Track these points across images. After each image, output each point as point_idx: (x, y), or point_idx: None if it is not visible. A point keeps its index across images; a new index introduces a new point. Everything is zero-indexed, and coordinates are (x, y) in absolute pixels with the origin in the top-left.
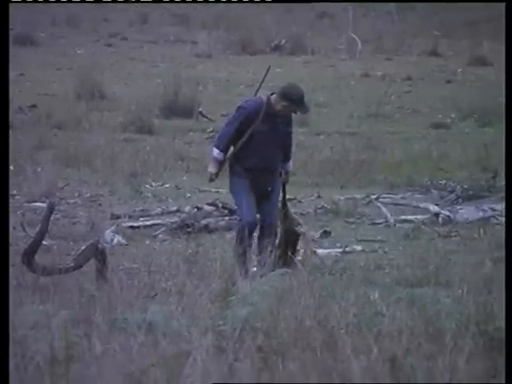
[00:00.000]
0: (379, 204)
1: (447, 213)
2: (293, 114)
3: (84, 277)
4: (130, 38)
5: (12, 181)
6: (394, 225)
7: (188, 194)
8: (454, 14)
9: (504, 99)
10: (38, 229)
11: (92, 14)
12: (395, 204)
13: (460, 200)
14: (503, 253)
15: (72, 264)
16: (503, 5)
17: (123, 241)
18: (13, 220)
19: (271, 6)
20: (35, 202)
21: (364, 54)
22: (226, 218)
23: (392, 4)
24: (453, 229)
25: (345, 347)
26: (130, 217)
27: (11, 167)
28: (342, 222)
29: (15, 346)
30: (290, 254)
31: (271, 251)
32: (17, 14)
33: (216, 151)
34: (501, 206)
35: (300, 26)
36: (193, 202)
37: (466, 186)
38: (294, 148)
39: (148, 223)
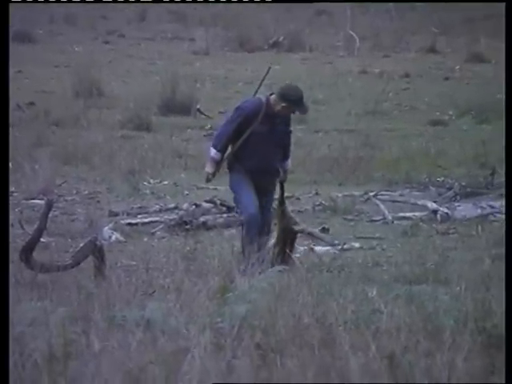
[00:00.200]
0: (377, 201)
1: (445, 210)
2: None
3: (82, 274)
4: (128, 36)
5: (10, 178)
6: (392, 222)
7: (186, 191)
8: (451, 11)
9: (504, 96)
10: (36, 226)
11: (90, 12)
12: (393, 201)
13: (458, 197)
14: (501, 250)
15: (70, 261)
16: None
17: (121, 238)
18: (11, 217)
19: (269, 3)
20: (33, 199)
21: (362, 51)
22: (224, 215)
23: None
24: (451, 226)
25: (343, 344)
26: (127, 214)
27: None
28: (340, 219)
29: (13, 343)
30: (288, 251)
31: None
32: (15, 12)
33: (213, 151)
34: (499, 203)
35: (298, 23)
36: (191, 199)
37: (463, 183)
38: (292, 146)
39: (146, 220)
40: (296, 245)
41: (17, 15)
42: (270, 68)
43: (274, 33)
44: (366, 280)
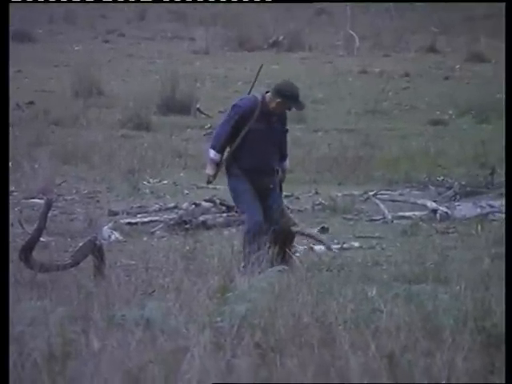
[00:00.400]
0: (377, 200)
1: (445, 209)
2: (290, 112)
3: (82, 273)
4: (128, 35)
5: (10, 177)
6: (392, 221)
7: (186, 191)
8: (451, 10)
9: (504, 96)
10: (35, 225)
11: (89, 11)
12: (393, 200)
13: (458, 196)
14: (501, 249)
15: (69, 260)
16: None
17: (121, 237)
18: (11, 217)
19: (269, 3)
20: (33, 198)
21: (362, 50)
22: (224, 214)
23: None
24: (450, 225)
25: (342, 344)
26: (127, 213)
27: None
28: (339, 219)
29: (13, 343)
30: (287, 251)
31: (269, 248)
32: (15, 11)
33: (212, 152)
34: (498, 203)
35: (298, 23)
36: (190, 198)
37: (463, 183)
38: (291, 145)
39: (146, 220)
40: (296, 244)
41: (16, 15)
42: (262, 66)
43: (274, 32)
44: (365, 279)
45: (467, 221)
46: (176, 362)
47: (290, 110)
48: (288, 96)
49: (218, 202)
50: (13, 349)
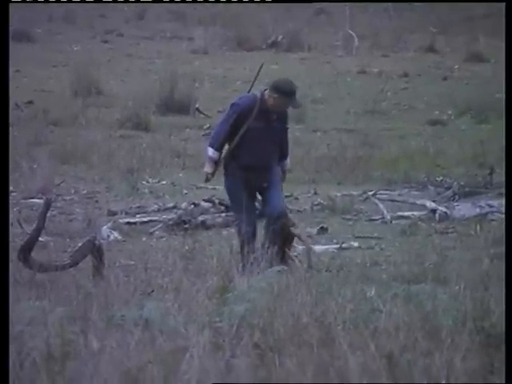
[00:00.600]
0: (376, 200)
1: (444, 209)
2: (289, 111)
3: (80, 273)
4: (127, 35)
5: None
6: (391, 221)
7: (185, 191)
8: (450, 10)
9: (503, 96)
10: (34, 225)
11: (88, 11)
12: (392, 200)
13: (457, 196)
14: (500, 249)
15: (68, 261)
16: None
17: (120, 237)
18: (10, 216)
19: (268, 3)
20: (32, 198)
21: (361, 50)
22: (223, 214)
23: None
24: (449, 225)
25: (341, 344)
26: (126, 213)
27: None
28: (338, 219)
29: (12, 343)
30: (286, 250)
31: (268, 247)
32: (14, 11)
33: (211, 150)
34: (497, 203)
35: (297, 23)
36: (189, 198)
37: (462, 183)
38: (290, 144)
39: (145, 220)
40: (295, 244)
41: (15, 14)
42: (262, 64)
43: (273, 32)
44: (364, 279)
45: (466, 221)
46: (175, 362)
47: (287, 107)
48: (284, 92)
49: (216, 202)
50: (12, 348)
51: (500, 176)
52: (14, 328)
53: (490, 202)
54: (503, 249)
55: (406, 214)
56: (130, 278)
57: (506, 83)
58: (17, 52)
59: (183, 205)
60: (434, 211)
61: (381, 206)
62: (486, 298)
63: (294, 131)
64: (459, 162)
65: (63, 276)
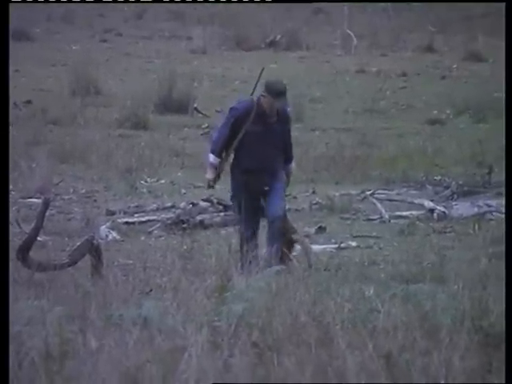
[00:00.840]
0: (374, 200)
1: (442, 208)
2: (289, 112)
3: (79, 273)
4: (125, 34)
5: None
6: (389, 221)
7: (183, 190)
8: (449, 9)
9: (503, 95)
10: (32, 225)
11: (87, 10)
12: (390, 200)
13: (455, 196)
14: (498, 248)
15: (67, 260)
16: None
17: (118, 237)
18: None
19: (267, 2)
20: (30, 197)
21: (359, 49)
22: (221, 214)
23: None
24: (448, 224)
25: (340, 343)
26: (125, 213)
27: None
28: (337, 218)
29: (10, 342)
30: (285, 250)
31: (267, 246)
32: (12, 10)
33: (212, 157)
34: (496, 202)
35: (295, 22)
36: (188, 197)
37: (461, 182)
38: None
39: (143, 219)
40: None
41: (14, 14)
42: (263, 68)
43: (272, 31)
44: (362, 279)
45: (464, 220)
46: (173, 362)
47: (277, 107)
48: (272, 91)
49: (215, 201)
50: (10, 348)
51: (498, 175)
52: (13, 327)
53: (489, 202)
54: (501, 248)
55: (405, 213)
56: (128, 277)
57: (505, 83)
58: (16, 51)
59: (182, 204)
60: (432, 210)
61: (379, 205)
62: (484, 298)
63: (292, 130)
64: (457, 161)
65: (62, 275)
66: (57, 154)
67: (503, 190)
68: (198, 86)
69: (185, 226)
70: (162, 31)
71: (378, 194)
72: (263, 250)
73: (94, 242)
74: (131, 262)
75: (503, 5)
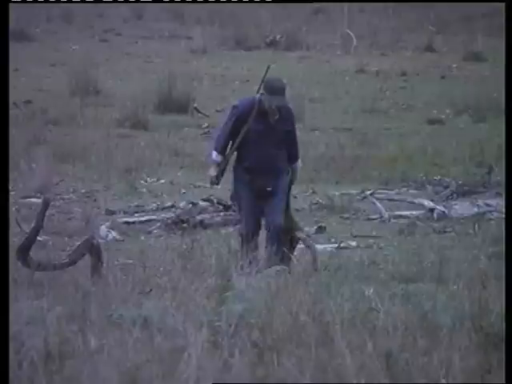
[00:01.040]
0: (374, 199)
1: (442, 208)
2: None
3: (79, 272)
4: (125, 34)
5: None
6: (389, 220)
7: (183, 190)
8: (449, 9)
9: (503, 95)
10: (32, 224)
11: (87, 10)
12: (390, 199)
13: (455, 195)
14: (498, 248)
15: (67, 260)
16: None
17: (118, 236)
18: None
19: (267, 2)
20: (30, 197)
21: (359, 49)
22: (221, 213)
23: None
24: (448, 224)
25: (340, 343)
26: (124, 212)
27: None
28: (336, 218)
29: (10, 342)
30: (285, 250)
31: (266, 247)
32: (12, 10)
33: (214, 154)
34: (495, 202)
35: (295, 22)
36: (188, 197)
37: (460, 182)
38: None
39: (143, 219)
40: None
41: (14, 14)
42: (269, 66)
43: (271, 31)
44: (362, 278)
45: (464, 220)
46: (173, 361)
47: (274, 105)
48: (267, 88)
49: (215, 201)
50: (10, 347)
51: (498, 175)
52: (13, 327)
53: (488, 201)
54: (501, 248)
55: (404, 213)
56: (128, 277)
57: (505, 83)
58: (15, 51)
59: (181, 204)
60: (432, 210)
61: (379, 205)
62: (484, 297)
63: None
64: (457, 160)
65: (61, 275)
66: (56, 154)
67: (503, 189)
68: (197, 86)
69: (185, 225)
70: (162, 31)
71: (378, 193)
72: (263, 249)
73: (94, 241)
74: (131, 261)
75: (503, 5)
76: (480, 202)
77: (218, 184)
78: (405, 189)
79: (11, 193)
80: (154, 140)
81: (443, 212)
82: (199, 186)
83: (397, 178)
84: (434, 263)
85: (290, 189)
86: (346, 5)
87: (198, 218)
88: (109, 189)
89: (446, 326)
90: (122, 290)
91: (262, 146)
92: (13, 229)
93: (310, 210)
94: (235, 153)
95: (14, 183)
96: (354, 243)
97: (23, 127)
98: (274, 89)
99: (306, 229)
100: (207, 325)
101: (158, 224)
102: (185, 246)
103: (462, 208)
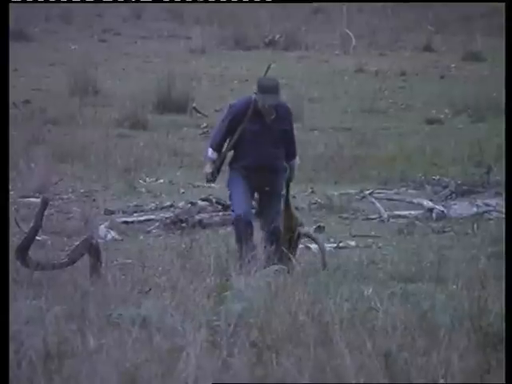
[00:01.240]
0: (373, 199)
1: (441, 208)
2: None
3: (78, 272)
4: (124, 34)
5: None
6: (388, 220)
7: (182, 190)
8: (448, 9)
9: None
10: (31, 224)
11: (86, 10)
12: (389, 199)
13: (454, 195)
14: (497, 248)
15: (66, 259)
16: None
17: (117, 236)
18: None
19: (266, 2)
20: (29, 197)
21: (358, 49)
22: (220, 213)
23: None
24: (446, 224)
25: (339, 342)
26: (123, 212)
27: None
28: (335, 218)
29: (9, 341)
30: (285, 250)
31: (265, 247)
32: (11, 10)
33: (210, 151)
34: (494, 202)
35: (294, 22)
36: (186, 197)
37: (459, 182)
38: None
39: (142, 218)
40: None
41: (13, 13)
42: (270, 65)
43: (270, 31)
44: (361, 278)
45: (463, 220)
46: (172, 361)
47: (267, 104)
48: (259, 87)
49: (214, 200)
50: (10, 347)
51: (497, 175)
52: (12, 327)
53: (487, 201)
54: (500, 247)
55: (403, 212)
56: (127, 276)
57: (505, 83)
58: (14, 51)
59: (180, 204)
60: (431, 210)
61: (378, 204)
62: (483, 297)
63: None
64: (456, 160)
65: (60, 275)
66: (55, 154)
67: (502, 189)
68: (196, 86)
69: (183, 225)
70: (161, 31)
71: (377, 193)
72: (262, 249)
73: (93, 241)
74: (130, 261)
75: (503, 5)
76: (479, 202)
77: (213, 181)
78: (404, 188)
79: (10, 192)
80: (152, 140)
81: (442, 212)
82: (198, 186)
83: (396, 177)
84: (433, 263)
85: (288, 186)
86: (344, 5)
87: (197, 217)
88: (108, 188)
89: (445, 325)
90: (121, 289)
91: (258, 145)
92: (12, 228)
93: (309, 210)
94: (232, 152)
95: (12, 183)
96: (352, 243)
97: (22, 127)
98: (266, 87)
99: (305, 228)
100: (206, 324)
101: (157, 224)
102: (184, 246)
103: (460, 208)
